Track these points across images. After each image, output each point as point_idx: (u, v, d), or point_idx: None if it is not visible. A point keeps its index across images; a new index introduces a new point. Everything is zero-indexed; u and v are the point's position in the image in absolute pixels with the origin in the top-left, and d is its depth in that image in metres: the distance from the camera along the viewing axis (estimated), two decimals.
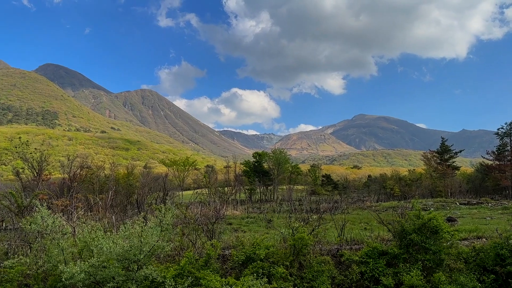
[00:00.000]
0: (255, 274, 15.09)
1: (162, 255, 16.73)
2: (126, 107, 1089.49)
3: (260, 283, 14.34)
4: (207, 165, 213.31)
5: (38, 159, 48.89)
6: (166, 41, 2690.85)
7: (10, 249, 18.72)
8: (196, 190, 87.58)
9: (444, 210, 43.49)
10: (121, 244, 14.14)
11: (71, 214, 25.10)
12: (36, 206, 15.99)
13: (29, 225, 15.22)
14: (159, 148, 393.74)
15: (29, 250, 17.70)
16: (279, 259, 16.95)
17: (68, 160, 51.58)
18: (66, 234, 15.83)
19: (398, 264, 17.57)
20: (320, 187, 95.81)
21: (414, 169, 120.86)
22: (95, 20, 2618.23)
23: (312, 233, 18.91)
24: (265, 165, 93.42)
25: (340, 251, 18.89)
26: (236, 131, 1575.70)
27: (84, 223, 16.36)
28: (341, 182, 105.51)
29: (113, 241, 14.13)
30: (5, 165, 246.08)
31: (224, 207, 44.73)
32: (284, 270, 16.32)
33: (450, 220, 30.05)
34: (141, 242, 14.23)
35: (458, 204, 52.42)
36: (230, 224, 34.84)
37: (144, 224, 15.23)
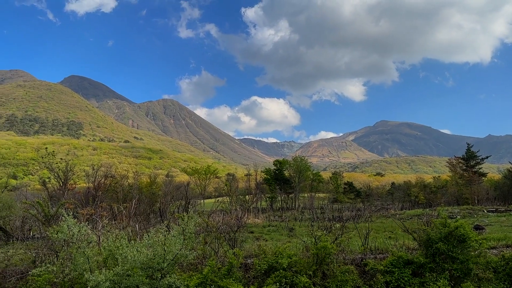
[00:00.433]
0: (278, 284, 14.98)
1: (185, 264, 16.79)
2: (149, 116, 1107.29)
3: None
4: (228, 173, 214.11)
5: (64, 169, 50.00)
6: (187, 51, 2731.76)
7: (38, 258, 19.11)
8: (217, 198, 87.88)
9: (471, 218, 42.30)
10: (145, 253, 14.28)
11: (96, 222, 25.52)
12: (63, 215, 16.33)
13: (56, 234, 15.53)
14: (181, 157, 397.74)
15: (55, 259, 18.00)
16: (302, 268, 16.76)
17: (93, 169, 52.64)
18: (91, 242, 16.09)
19: (425, 274, 17.12)
20: (342, 195, 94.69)
21: (439, 176, 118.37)
22: (117, 33, 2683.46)
23: (335, 242, 18.65)
24: (286, 173, 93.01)
25: (364, 260, 18.56)
26: (256, 139, 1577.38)
27: (109, 231, 16.60)
28: (363, 190, 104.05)
29: (137, 250, 14.29)
30: (32, 175, 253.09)
31: (246, 215, 44.75)
32: (307, 280, 16.12)
33: (477, 228, 29.20)
34: (165, 251, 14.34)
35: (485, 211, 50.92)
36: (252, 232, 34.75)
37: (167, 232, 15.35)
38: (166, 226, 16.06)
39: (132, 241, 16.29)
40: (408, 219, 42.16)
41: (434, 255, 17.54)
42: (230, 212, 44.28)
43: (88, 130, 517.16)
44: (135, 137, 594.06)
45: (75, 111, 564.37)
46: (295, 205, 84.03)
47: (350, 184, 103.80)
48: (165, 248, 14.42)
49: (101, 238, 18.54)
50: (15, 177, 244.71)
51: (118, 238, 15.04)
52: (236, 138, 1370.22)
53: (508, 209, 51.88)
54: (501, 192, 78.55)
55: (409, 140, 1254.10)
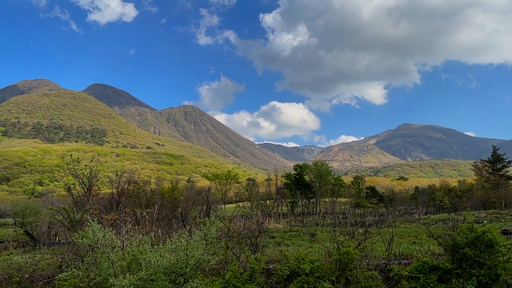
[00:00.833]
0: None
1: (207, 269, 16.86)
2: (170, 123, 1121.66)
3: None
4: (248, 178, 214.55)
5: (88, 175, 51.02)
6: (206, 58, 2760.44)
7: (64, 262, 19.50)
8: (238, 204, 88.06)
9: (498, 222, 41.11)
10: (168, 258, 14.42)
11: (120, 228, 25.94)
12: (88, 221, 16.66)
13: (81, 239, 15.86)
14: (201, 162, 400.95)
15: (81, 264, 18.35)
16: (324, 274, 16.60)
17: (116, 175, 53.55)
18: (115, 247, 16.35)
19: (451, 280, 16.69)
20: (364, 199, 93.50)
21: (464, 180, 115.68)
22: (138, 41, 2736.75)
23: (359, 247, 18.42)
24: (307, 178, 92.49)
25: (388, 266, 18.24)
26: (276, 144, 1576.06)
27: (132, 236, 16.84)
28: (386, 194, 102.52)
29: (160, 255, 14.44)
30: (57, 181, 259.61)
31: (267, 220, 44.66)
32: (330, 286, 15.94)
33: (505, 233, 28.35)
34: (187, 256, 14.45)
35: None
36: (273, 237, 34.66)
37: (190, 237, 15.46)
38: (188, 231, 16.18)
39: (155, 246, 16.48)
40: (432, 224, 41.37)
41: (460, 261, 17.11)
42: (251, 217, 44.29)
43: (112, 137, 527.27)
44: (156, 143, 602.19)
45: (98, 118, 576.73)
46: (316, 210, 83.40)
47: (372, 189, 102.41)
48: (188, 253, 14.53)
49: (125, 243, 18.83)
50: (41, 184, 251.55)
51: (141, 243, 15.24)
52: (256, 143, 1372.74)
53: None
54: None
55: (433, 143, 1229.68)
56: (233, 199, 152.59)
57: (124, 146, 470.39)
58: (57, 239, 39.28)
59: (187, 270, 14.47)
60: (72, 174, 54.03)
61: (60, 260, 19.84)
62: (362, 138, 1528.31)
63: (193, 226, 29.96)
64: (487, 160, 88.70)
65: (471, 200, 76.26)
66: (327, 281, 16.15)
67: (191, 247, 14.73)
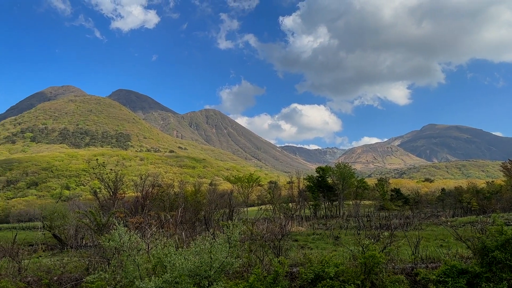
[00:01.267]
0: None
1: (231, 272, 16.89)
2: (192, 127, 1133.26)
3: None
4: (270, 181, 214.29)
5: (113, 179, 51.95)
6: (226, 62, 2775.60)
7: (91, 265, 19.89)
8: (260, 206, 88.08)
9: None
10: (192, 260, 14.51)
11: (144, 231, 26.30)
12: (114, 224, 16.94)
13: (108, 242, 16.15)
14: (223, 166, 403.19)
15: (107, 266, 18.68)
16: (349, 278, 16.38)
17: (141, 179, 54.40)
18: (140, 250, 16.57)
19: (480, 284, 16.22)
20: (389, 202, 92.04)
21: (492, 181, 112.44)
22: (160, 47, 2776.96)
23: (384, 250, 18.11)
24: (329, 180, 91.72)
25: (415, 269, 17.89)
26: (297, 146, 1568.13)
27: (157, 239, 17.04)
28: (412, 197, 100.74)
29: (184, 257, 14.56)
30: (84, 186, 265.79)
31: (289, 223, 44.46)
32: None
33: None
34: (211, 258, 14.51)
35: None
36: (296, 240, 34.49)
37: (213, 240, 15.53)
38: (211, 234, 16.28)
39: (179, 249, 16.63)
40: (460, 227, 40.41)
41: (490, 264, 16.60)
42: (274, 220, 44.19)
43: (136, 141, 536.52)
44: (179, 147, 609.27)
45: (123, 123, 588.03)
46: (339, 213, 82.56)
47: (397, 191, 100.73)
48: (212, 256, 14.59)
49: (150, 246, 19.07)
50: (68, 188, 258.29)
51: (166, 246, 15.40)
52: (277, 146, 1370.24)
53: None
54: None
55: (459, 143, 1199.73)
56: (255, 202, 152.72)
57: (148, 150, 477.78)
58: (84, 242, 40.16)
59: (211, 273, 14.54)
60: (98, 178, 55.17)
61: (87, 262, 20.24)
62: (385, 139, 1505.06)
63: (216, 229, 30.11)
64: None
65: (500, 201, 74.19)
66: (352, 285, 15.93)
67: (215, 250, 14.79)
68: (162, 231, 30.34)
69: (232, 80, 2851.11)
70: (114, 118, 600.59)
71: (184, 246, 20.90)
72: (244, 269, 18.12)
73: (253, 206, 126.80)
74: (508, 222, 40.85)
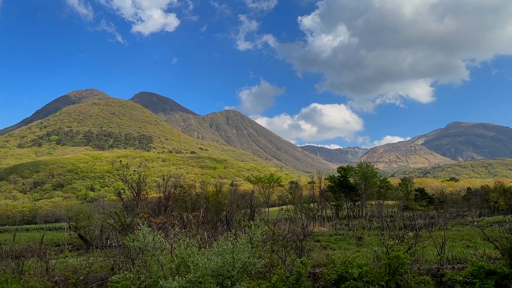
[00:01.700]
0: None
1: (253, 272, 16.90)
2: (212, 128, 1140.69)
3: None
4: (291, 181, 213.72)
5: (137, 180, 52.79)
6: (245, 63, 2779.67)
7: (116, 265, 20.21)
8: (281, 207, 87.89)
9: None
10: (215, 260, 14.59)
11: (168, 231, 26.59)
12: (138, 224, 17.18)
13: (132, 242, 16.39)
14: (244, 166, 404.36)
15: (132, 266, 18.96)
16: (373, 279, 16.16)
17: (163, 180, 55.06)
18: (164, 250, 16.75)
19: (509, 285, 15.76)
20: (413, 202, 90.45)
21: None
22: (180, 50, 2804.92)
23: (409, 251, 17.78)
24: (351, 180, 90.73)
25: (440, 270, 17.52)
26: (318, 146, 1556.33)
27: (180, 239, 17.20)
28: (436, 196, 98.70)
29: (207, 258, 14.64)
30: (108, 187, 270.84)
31: (311, 224, 44.21)
32: None
33: None
34: (234, 259, 14.55)
35: None
36: (318, 241, 34.26)
37: (235, 240, 15.57)
38: (233, 235, 16.33)
39: (202, 249, 16.73)
40: (487, 227, 39.43)
41: None
42: (295, 221, 44.01)
43: (158, 143, 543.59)
44: (200, 148, 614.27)
45: (145, 125, 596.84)
46: (362, 213, 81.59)
47: (421, 191, 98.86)
48: (234, 256, 14.63)
49: (173, 246, 19.26)
50: (92, 189, 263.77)
51: (189, 246, 15.53)
52: (298, 146, 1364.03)
53: None
54: None
55: (485, 141, 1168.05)
56: (276, 202, 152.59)
57: (170, 152, 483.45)
58: (108, 242, 40.90)
59: (234, 273, 14.57)
60: (121, 180, 56.24)
61: (112, 262, 20.58)
62: (408, 138, 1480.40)
63: (238, 229, 30.18)
64: None
65: None
66: (376, 286, 15.71)
67: (237, 250, 14.82)
68: (185, 231, 30.63)
69: (252, 81, 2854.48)
70: (136, 120, 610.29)
71: (206, 246, 21.04)
72: (267, 269, 18.10)
73: (274, 206, 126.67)
74: None
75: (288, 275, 16.44)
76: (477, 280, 16.08)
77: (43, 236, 32.69)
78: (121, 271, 17.43)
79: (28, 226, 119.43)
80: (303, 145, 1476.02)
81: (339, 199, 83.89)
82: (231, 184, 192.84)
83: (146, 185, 55.43)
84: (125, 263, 20.05)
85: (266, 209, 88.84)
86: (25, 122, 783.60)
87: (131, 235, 16.91)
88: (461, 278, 16.36)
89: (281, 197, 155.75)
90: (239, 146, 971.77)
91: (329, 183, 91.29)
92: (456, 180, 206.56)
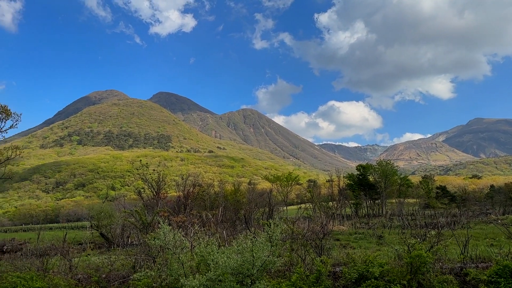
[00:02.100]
0: None
1: (273, 270, 16.89)
2: (230, 126, 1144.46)
3: None
4: (309, 180, 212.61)
5: (156, 179, 53.38)
6: (262, 62, 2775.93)
7: (137, 263, 20.47)
8: (300, 205, 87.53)
9: None
10: (235, 259, 14.64)
11: (187, 229, 26.80)
12: (159, 223, 17.37)
13: (153, 241, 16.58)
14: (262, 165, 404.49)
15: (153, 264, 19.18)
16: (395, 278, 15.94)
17: (182, 179, 55.50)
18: (184, 248, 16.89)
19: None
20: (434, 200, 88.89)
21: None
22: (197, 50, 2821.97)
23: (431, 250, 17.48)
24: (371, 178, 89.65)
25: (464, 269, 17.17)
26: (336, 144, 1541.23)
27: (200, 238, 17.32)
28: (458, 194, 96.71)
29: (227, 256, 14.70)
30: (128, 186, 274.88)
31: (330, 222, 43.91)
32: None
33: None
34: (253, 257, 14.56)
35: None
36: (338, 240, 34.03)
37: (254, 239, 15.58)
38: (252, 233, 16.35)
39: (221, 247, 16.81)
40: None
41: None
42: (314, 219, 43.77)
43: (176, 142, 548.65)
44: (218, 147, 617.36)
45: (164, 125, 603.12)
46: (382, 212, 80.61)
47: (443, 188, 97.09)
48: (254, 254, 14.64)
49: (193, 244, 19.40)
50: (113, 188, 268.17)
51: (209, 244, 15.62)
52: (316, 144, 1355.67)
53: None
54: None
55: (509, 138, 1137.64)
56: (295, 200, 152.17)
57: (188, 151, 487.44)
58: (129, 241, 41.51)
59: (254, 271, 14.59)
60: (141, 179, 56.98)
61: (134, 260, 20.83)
62: (429, 135, 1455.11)
63: (256, 228, 30.20)
64: None
65: None
66: (398, 285, 15.50)
67: (256, 248, 14.83)
68: (204, 230, 30.84)
69: (268, 80, 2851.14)
70: (155, 120, 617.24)
71: (226, 245, 21.12)
72: (286, 268, 18.06)
73: (293, 205, 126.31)
74: None
75: (308, 273, 16.36)
76: (502, 279, 15.71)
77: (66, 234, 33.40)
78: (143, 269, 17.66)
79: (51, 225, 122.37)
80: (321, 143, 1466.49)
81: (359, 197, 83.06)
82: (249, 183, 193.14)
83: (165, 184, 55.97)
84: (146, 261, 20.28)
85: (284, 208, 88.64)
86: (47, 123, 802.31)
87: (152, 233, 17.11)
88: (485, 277, 16.02)
89: (300, 196, 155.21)
90: (256, 145, 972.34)
91: (348, 181, 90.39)
92: (479, 178, 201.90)
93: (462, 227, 39.61)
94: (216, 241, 16.58)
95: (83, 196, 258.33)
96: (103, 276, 18.99)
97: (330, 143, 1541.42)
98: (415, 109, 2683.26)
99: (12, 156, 43.77)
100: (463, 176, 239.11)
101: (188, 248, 18.19)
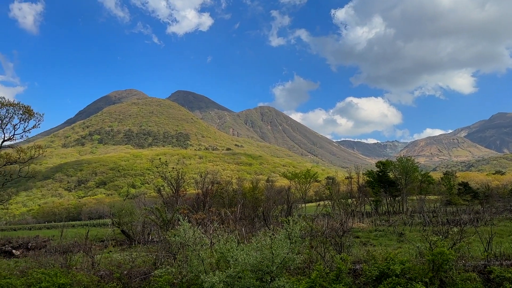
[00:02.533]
0: None
1: (292, 267, 16.88)
2: (247, 124, 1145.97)
3: None
4: (328, 177, 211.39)
5: (175, 177, 53.92)
6: (278, 59, 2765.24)
7: (158, 260, 20.75)
8: (318, 202, 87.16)
9: None
10: (254, 256, 14.68)
11: (207, 226, 27.03)
12: (179, 220, 17.57)
13: (174, 237, 16.78)
14: (279, 162, 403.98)
15: (173, 261, 19.41)
16: (416, 275, 15.72)
17: (201, 177, 55.92)
18: (203, 245, 17.05)
19: None
20: (456, 196, 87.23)
21: None
22: (214, 48, 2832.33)
23: (453, 247, 17.16)
24: (391, 175, 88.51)
25: (488, 267, 16.81)
26: (355, 140, 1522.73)
27: (219, 235, 17.45)
28: (481, 190, 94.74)
29: (246, 253, 14.76)
30: (148, 184, 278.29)
31: (350, 220, 43.58)
32: (423, 287, 15.06)
33: None
34: (273, 254, 14.58)
35: None
36: (358, 237, 33.76)
37: (274, 236, 15.60)
38: (271, 230, 16.38)
39: (241, 244, 16.89)
40: None
41: None
42: (334, 216, 43.53)
43: (194, 140, 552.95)
44: (236, 145, 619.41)
45: (182, 123, 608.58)
46: (402, 209, 79.55)
47: (465, 185, 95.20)
48: (273, 251, 14.66)
49: (212, 241, 19.56)
50: (133, 186, 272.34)
51: (228, 241, 15.72)
52: (334, 140, 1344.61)
53: None
54: None
55: None
56: (313, 198, 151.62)
57: (206, 149, 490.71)
58: (150, 238, 42.09)
59: (273, 269, 14.61)
60: (161, 177, 57.57)
61: (154, 257, 21.13)
62: (450, 130, 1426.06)
63: (275, 225, 30.23)
64: None
65: None
66: (419, 282, 15.28)
67: (276, 245, 14.85)
68: (223, 227, 31.05)
69: (285, 77, 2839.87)
70: (174, 119, 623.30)
71: (245, 242, 21.21)
72: (306, 265, 18.02)
73: (311, 202, 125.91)
74: None
75: (328, 271, 16.29)
76: None
77: (88, 232, 34.09)
78: (163, 265, 17.90)
79: (73, 222, 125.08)
80: (339, 140, 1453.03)
81: (378, 194, 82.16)
82: (267, 180, 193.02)
83: (184, 181, 56.46)
84: (167, 258, 20.53)
85: (303, 205, 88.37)
86: (69, 122, 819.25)
87: (172, 230, 17.32)
88: (510, 275, 15.67)
89: (318, 193, 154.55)
90: (274, 142, 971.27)
91: (367, 178, 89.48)
92: (502, 173, 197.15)
93: (485, 224, 38.75)
94: (235, 238, 16.68)
95: (104, 194, 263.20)
96: (125, 272, 19.30)
97: (349, 139, 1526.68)
98: (435, 105, 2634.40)
99: (35, 155, 44.96)
100: (486, 172, 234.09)
101: (208, 245, 18.35)
